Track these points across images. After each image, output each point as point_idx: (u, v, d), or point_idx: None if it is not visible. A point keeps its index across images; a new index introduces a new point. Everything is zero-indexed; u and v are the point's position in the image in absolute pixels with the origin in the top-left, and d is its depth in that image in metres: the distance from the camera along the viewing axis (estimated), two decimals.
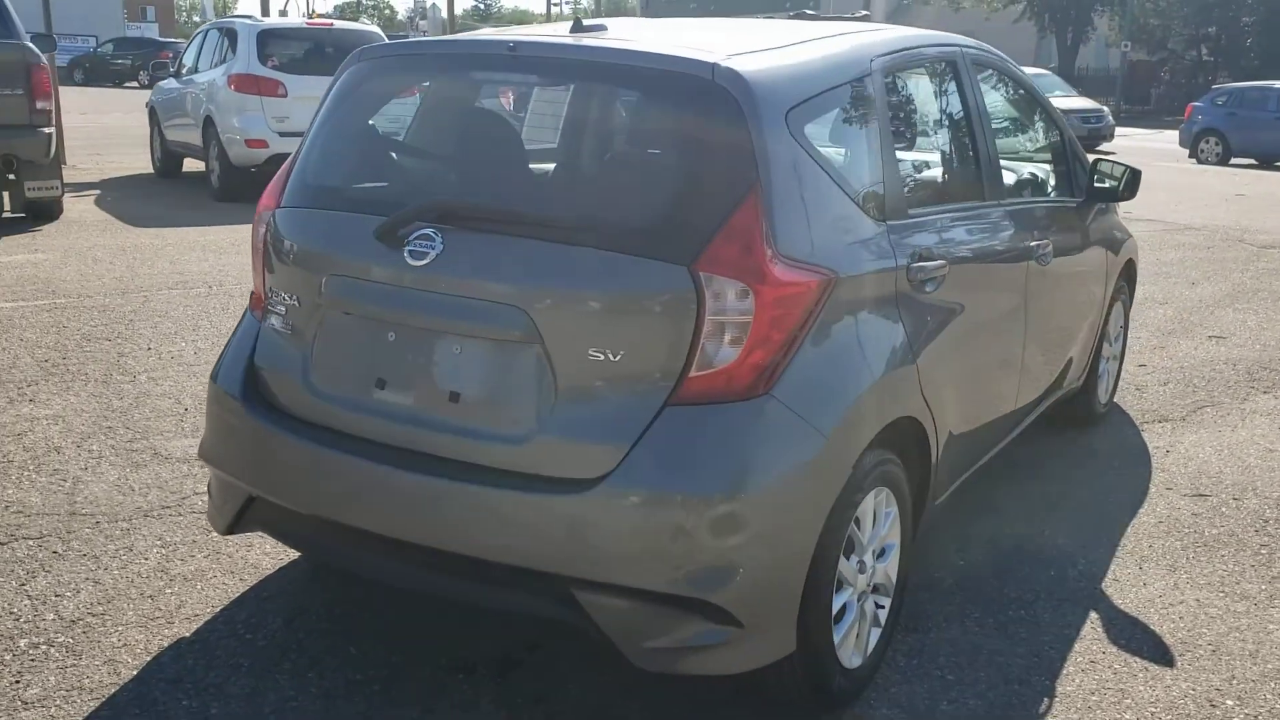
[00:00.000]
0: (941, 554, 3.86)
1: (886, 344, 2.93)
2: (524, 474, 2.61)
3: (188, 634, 3.22)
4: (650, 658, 2.60)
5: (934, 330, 3.16)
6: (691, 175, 2.67)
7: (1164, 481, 4.65)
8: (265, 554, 3.68)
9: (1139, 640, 3.39)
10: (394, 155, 3.39)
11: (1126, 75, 42.89)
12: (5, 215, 10.04)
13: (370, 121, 3.23)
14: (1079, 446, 5.05)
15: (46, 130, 9.57)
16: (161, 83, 13.94)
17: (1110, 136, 24.93)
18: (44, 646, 3.13)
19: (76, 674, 3.00)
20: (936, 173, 3.72)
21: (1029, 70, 27.09)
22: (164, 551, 3.70)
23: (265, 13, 25.14)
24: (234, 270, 8.13)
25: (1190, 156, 23.14)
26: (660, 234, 2.59)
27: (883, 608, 3.09)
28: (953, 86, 3.70)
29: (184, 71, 13.20)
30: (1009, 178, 4.17)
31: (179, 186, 12.93)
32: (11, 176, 9.65)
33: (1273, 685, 3.17)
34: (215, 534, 3.65)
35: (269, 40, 11.77)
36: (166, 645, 3.16)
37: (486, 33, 3.58)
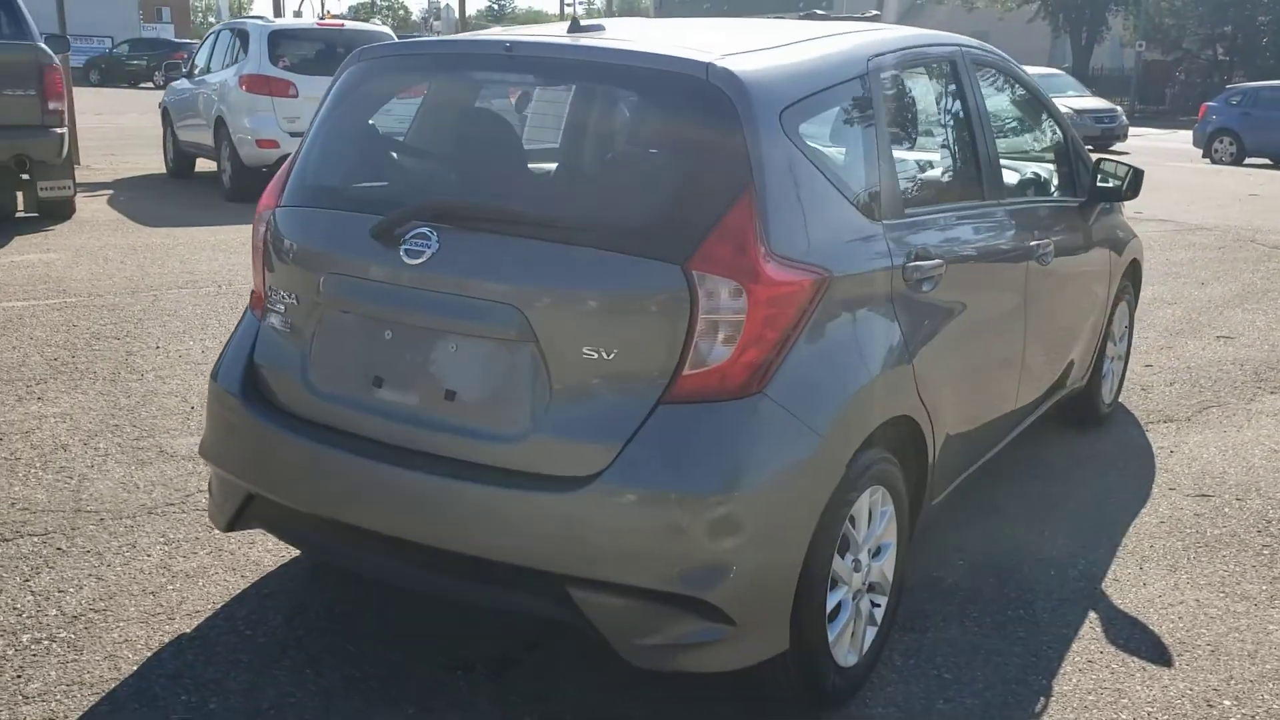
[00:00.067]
0: (941, 553, 3.87)
1: (882, 343, 2.93)
2: (519, 472, 2.63)
3: (188, 630, 3.24)
4: (644, 655, 2.62)
5: (931, 330, 3.17)
6: (686, 175, 2.69)
7: (1167, 482, 4.64)
8: (267, 551, 3.71)
9: (1137, 640, 3.38)
10: (392, 155, 3.41)
11: (1141, 75, 42.71)
12: (18, 215, 10.12)
13: (369, 121, 3.25)
14: (1082, 446, 5.04)
15: (59, 130, 9.64)
16: (174, 83, 14.01)
17: (1124, 136, 24.82)
18: (46, 641, 3.16)
19: (77, 669, 3.03)
20: (934, 172, 3.72)
21: (1042, 70, 27.16)
22: (167, 548, 3.73)
23: (278, 13, 25.25)
24: (243, 270, 8.17)
25: (1204, 157, 23.02)
26: (654, 233, 2.61)
27: (879, 606, 3.09)
28: (952, 86, 3.70)
29: (196, 72, 13.28)
30: (1010, 177, 4.17)
31: (191, 187, 13.00)
32: (25, 176, 9.73)
33: (1270, 685, 3.16)
34: (217, 531, 3.66)
35: (280, 41, 11.82)
36: (167, 641, 3.18)
37: (487, 33, 3.59)
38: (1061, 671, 3.20)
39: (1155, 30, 43.75)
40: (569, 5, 63.04)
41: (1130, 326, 5.57)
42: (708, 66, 2.69)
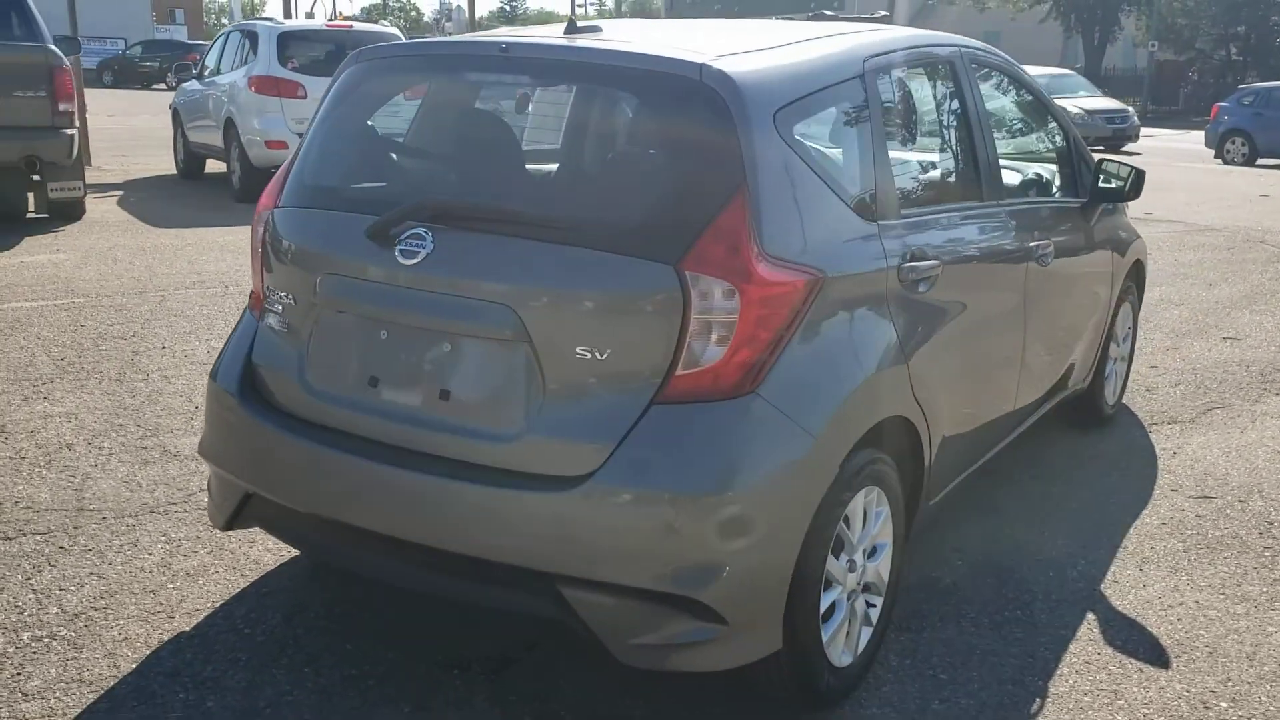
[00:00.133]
0: (939, 553, 3.87)
1: (877, 344, 2.94)
2: (513, 472, 2.64)
3: (188, 628, 3.26)
4: (637, 654, 2.62)
5: (927, 330, 3.17)
6: (679, 175, 2.70)
7: (1169, 483, 4.63)
8: (267, 550, 3.73)
9: (1135, 642, 3.38)
10: (389, 155, 3.43)
11: (1154, 75, 42.54)
12: (29, 216, 10.18)
13: (367, 122, 3.26)
14: (1085, 447, 5.03)
15: (69, 132, 9.68)
16: (184, 85, 14.08)
17: (1135, 137, 24.76)
18: (46, 639, 3.18)
19: (77, 666, 3.05)
20: (931, 173, 3.72)
21: (1053, 71, 27.09)
22: (168, 547, 3.75)
23: (288, 15, 25.33)
24: (250, 270, 8.20)
25: (1216, 157, 22.94)
26: (648, 234, 2.62)
27: (874, 606, 3.10)
28: (950, 87, 3.70)
29: (206, 73, 13.34)
30: (1010, 178, 4.16)
31: (201, 188, 13.06)
32: (36, 177, 9.78)
33: (1268, 687, 3.16)
34: (218, 530, 3.69)
35: (289, 42, 11.87)
36: (166, 639, 3.20)
37: (486, 34, 3.61)
38: (1058, 673, 3.20)
39: (1168, 30, 43.58)
40: (580, 6, 63.11)
41: (1134, 327, 5.55)
42: (701, 67, 2.69)
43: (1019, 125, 4.72)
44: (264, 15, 35.99)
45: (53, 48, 9.63)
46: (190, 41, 47.65)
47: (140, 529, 3.87)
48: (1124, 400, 5.59)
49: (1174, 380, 6.14)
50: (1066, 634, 3.40)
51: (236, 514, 3.11)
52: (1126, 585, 3.74)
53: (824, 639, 2.84)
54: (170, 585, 3.50)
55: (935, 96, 3.76)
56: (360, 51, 3.24)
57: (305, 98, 11.31)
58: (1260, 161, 22.20)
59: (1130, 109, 25.72)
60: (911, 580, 3.60)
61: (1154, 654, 3.32)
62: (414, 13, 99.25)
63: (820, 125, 3.06)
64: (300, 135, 10.81)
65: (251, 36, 12.20)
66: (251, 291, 3.26)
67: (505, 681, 3.05)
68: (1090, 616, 3.52)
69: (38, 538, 3.78)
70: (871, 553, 3.04)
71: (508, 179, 3.02)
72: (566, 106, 3.38)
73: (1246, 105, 23.04)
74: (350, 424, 2.87)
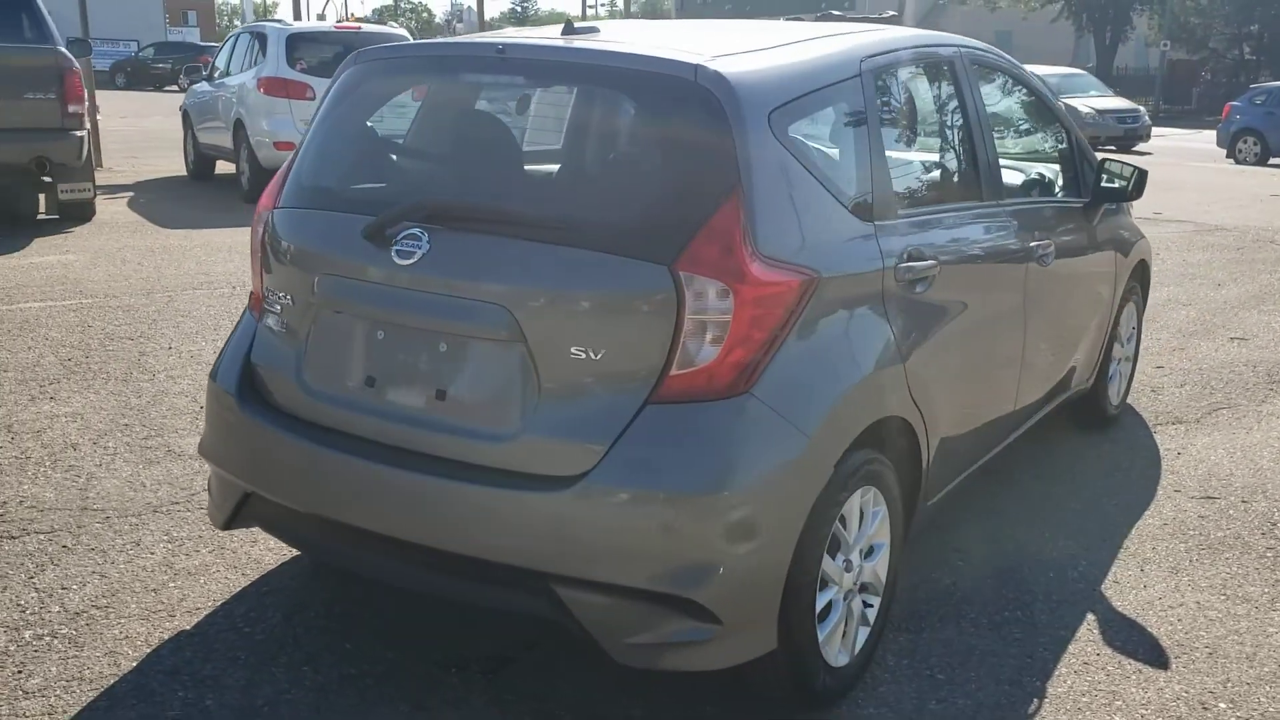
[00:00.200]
0: (940, 554, 3.86)
1: (872, 344, 2.94)
2: (508, 471, 2.65)
3: (188, 627, 3.28)
4: (632, 654, 2.63)
5: (925, 331, 3.17)
6: (674, 176, 2.70)
7: (1173, 484, 4.61)
8: (269, 549, 3.74)
9: (1135, 642, 3.37)
10: (387, 156, 3.44)
11: (1166, 75, 42.35)
12: (40, 217, 10.24)
13: (365, 123, 3.28)
14: (1088, 448, 5.02)
15: (79, 133, 9.73)
16: (195, 86, 14.14)
17: (1146, 137, 24.67)
18: (48, 638, 3.20)
19: (78, 665, 3.07)
20: (930, 173, 3.72)
21: (1064, 70, 27.01)
22: (170, 546, 3.77)
23: (297, 16, 25.40)
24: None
25: (1228, 157, 22.83)
26: (642, 234, 2.62)
27: (871, 606, 3.09)
28: (949, 87, 3.69)
29: (216, 75, 13.40)
30: (1011, 178, 4.16)
31: (210, 189, 13.11)
32: (47, 179, 9.83)
33: (1268, 688, 3.15)
34: (218, 529, 3.70)
35: (298, 44, 11.91)
36: (167, 638, 3.22)
37: (485, 34, 3.62)
38: (1056, 673, 3.19)
39: (1180, 29, 43.39)
40: (591, 7, 63.11)
41: (1138, 328, 5.53)
42: (696, 68, 2.70)
43: (1020, 125, 4.71)
44: (275, 17, 36.07)
45: (63, 49, 9.68)
46: (203, 43, 47.80)
47: (143, 528, 3.89)
48: (1129, 401, 5.58)
49: (1180, 381, 6.12)
50: (1066, 634, 3.40)
51: (235, 513, 3.13)
52: (1127, 586, 3.73)
53: (820, 639, 2.84)
54: (172, 584, 3.52)
55: (934, 97, 3.76)
56: (359, 53, 3.25)
57: (314, 99, 11.33)
58: (1272, 161, 22.09)
59: (1141, 109, 25.63)
60: (911, 580, 3.60)
61: (1153, 655, 3.31)
62: (425, 14, 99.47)
63: (816, 125, 3.06)
64: None
65: (260, 38, 12.25)
66: (251, 292, 3.27)
67: (503, 681, 3.06)
68: (1090, 617, 3.51)
69: (41, 537, 3.80)
70: (869, 553, 3.04)
71: (504, 180, 3.03)
72: (563, 107, 3.39)
73: (1259, 105, 22.93)
74: (347, 424, 2.88)
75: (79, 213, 10.29)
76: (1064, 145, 4.61)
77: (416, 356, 2.80)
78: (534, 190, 3.08)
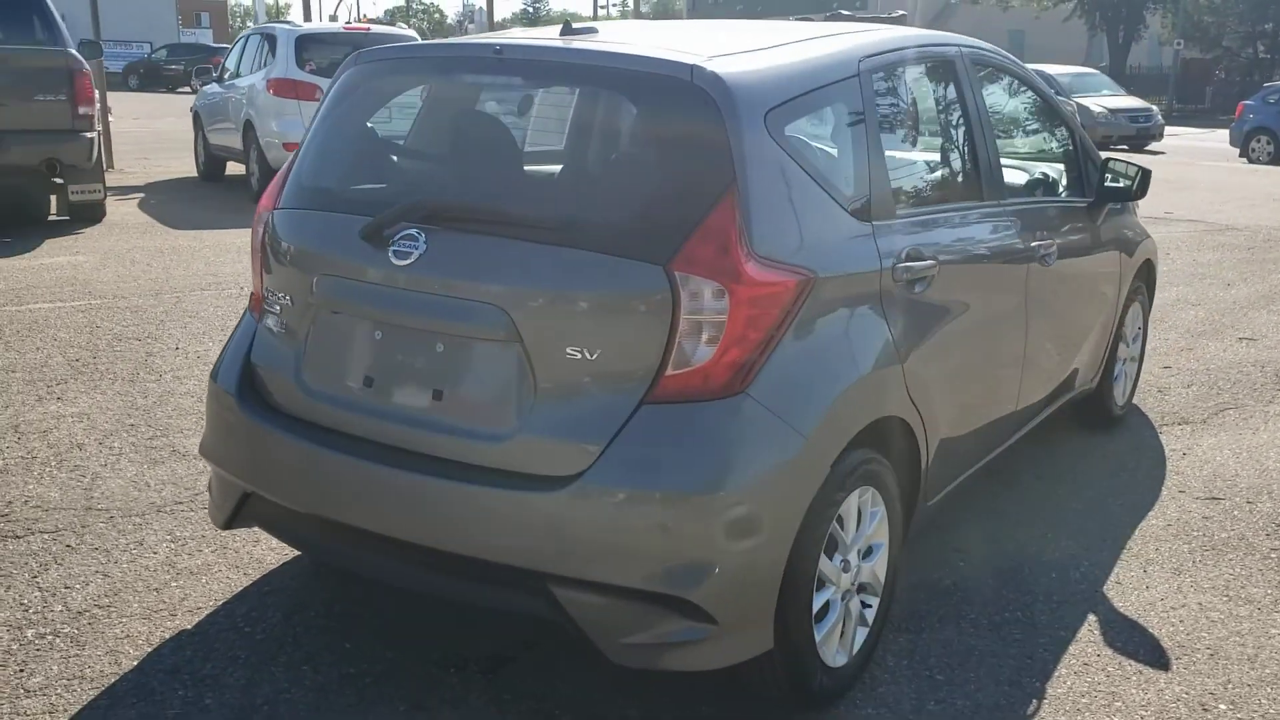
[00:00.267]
0: (941, 554, 3.85)
1: (870, 344, 2.93)
2: (504, 471, 2.65)
3: (189, 626, 3.29)
4: (628, 654, 2.63)
5: (924, 331, 3.16)
6: (670, 176, 2.70)
7: (1177, 484, 4.60)
8: (270, 549, 3.76)
9: (1136, 643, 3.36)
10: (386, 157, 3.45)
11: (1180, 73, 42.14)
12: (51, 218, 10.29)
13: (365, 123, 3.29)
14: (1093, 448, 5.00)
15: (89, 135, 9.78)
16: (205, 88, 14.20)
17: (1159, 136, 24.56)
18: (50, 637, 3.22)
19: (79, 663, 3.09)
20: (930, 173, 3.70)
21: (1076, 69, 26.92)
22: (173, 546, 3.79)
23: (307, 18, 25.48)
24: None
25: (1241, 156, 22.71)
26: (638, 234, 2.63)
27: (870, 607, 3.09)
28: (949, 87, 3.69)
29: (226, 76, 13.45)
30: (1014, 177, 4.14)
31: (221, 190, 13.16)
32: (57, 180, 9.89)
33: (1269, 690, 3.13)
34: (219, 529, 3.72)
35: (307, 45, 11.94)
36: (168, 637, 3.23)
37: (484, 35, 3.63)
38: (1056, 674, 3.19)
39: (1194, 28, 43.14)
40: (602, 7, 63.16)
41: (1144, 328, 5.51)
42: (692, 68, 2.70)
43: (1023, 125, 4.70)
44: (286, 19, 36.14)
45: (73, 51, 9.73)
46: (215, 45, 47.95)
47: (147, 528, 3.91)
48: (1135, 401, 5.56)
49: (1187, 381, 6.10)
50: (1066, 635, 3.39)
51: (235, 513, 3.14)
52: (1129, 587, 3.72)
53: (817, 639, 2.83)
54: (174, 583, 3.54)
55: (934, 96, 3.75)
56: (359, 53, 3.27)
57: None
58: None
59: (1154, 108, 25.52)
60: (911, 581, 3.59)
61: (1154, 656, 3.30)
62: (437, 15, 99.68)
63: (814, 125, 3.06)
64: None
65: (270, 39, 12.30)
66: (252, 292, 3.29)
67: (502, 680, 3.07)
68: (1091, 618, 3.50)
69: (45, 536, 3.83)
70: (867, 553, 3.04)
71: (501, 180, 3.03)
72: (561, 108, 3.39)
73: (1272, 104, 22.79)
74: (346, 424, 2.89)
75: (89, 214, 10.35)
76: (1068, 145, 4.59)
77: (414, 357, 2.81)
78: (531, 191, 3.08)
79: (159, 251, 9.06)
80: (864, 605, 3.07)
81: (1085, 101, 23.78)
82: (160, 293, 7.56)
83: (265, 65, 12.09)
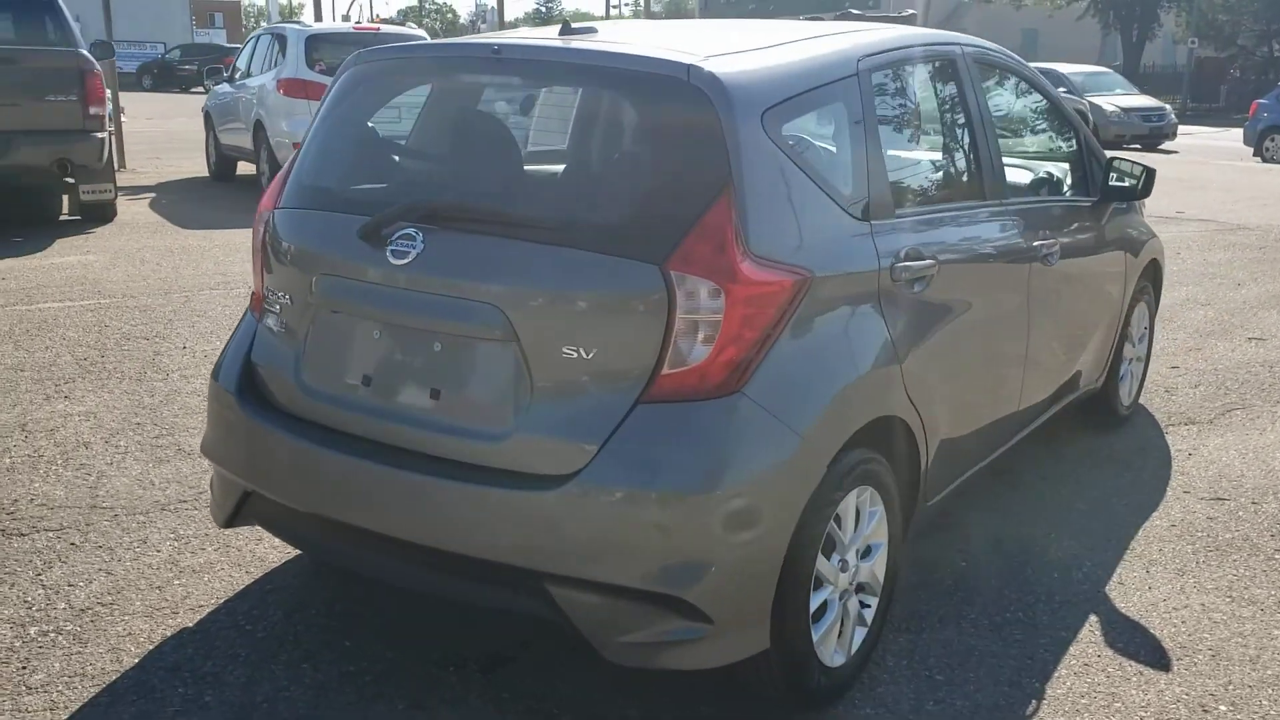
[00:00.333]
0: (942, 554, 3.85)
1: (867, 344, 2.93)
2: (501, 470, 2.66)
3: (191, 624, 3.31)
4: (625, 653, 2.64)
5: (923, 331, 3.15)
6: (666, 175, 2.71)
7: (1182, 485, 4.58)
8: (273, 548, 3.77)
9: (1137, 644, 3.35)
10: (385, 156, 3.46)
11: (1194, 72, 41.95)
12: (62, 218, 10.34)
13: (365, 123, 3.30)
14: (1098, 448, 4.99)
15: (100, 135, 9.82)
16: (216, 88, 14.25)
17: (1172, 135, 24.45)
18: (52, 634, 3.23)
19: (80, 661, 3.11)
20: (929, 172, 3.70)
21: (1089, 68, 26.82)
22: (176, 544, 3.80)
23: (318, 18, 25.54)
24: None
25: (1255, 155, 22.57)
26: (634, 233, 2.63)
27: (869, 607, 3.09)
28: (950, 86, 3.68)
29: (237, 76, 13.50)
30: (1017, 177, 4.13)
31: (231, 190, 13.21)
32: (68, 180, 9.93)
33: (1270, 691, 3.12)
34: (220, 527, 3.74)
35: (317, 45, 11.98)
36: (169, 635, 3.25)
37: (484, 35, 3.63)
38: (1056, 675, 3.18)
39: (1208, 26, 42.93)
40: (614, 7, 63.14)
41: (1151, 328, 5.49)
42: (689, 68, 2.70)
43: (1026, 124, 4.69)
44: (298, 19, 36.24)
45: (84, 51, 9.77)
46: (228, 45, 48.11)
47: (150, 526, 3.93)
48: (1141, 401, 5.54)
49: (1194, 381, 6.07)
50: (1067, 636, 3.38)
51: (236, 512, 3.16)
52: (1132, 587, 3.70)
53: (815, 638, 2.83)
54: (176, 581, 3.56)
55: (934, 95, 3.73)
56: (359, 53, 3.28)
57: None
58: None
59: (1167, 107, 25.41)
60: (912, 581, 3.59)
61: (1155, 657, 3.29)
62: (450, 15, 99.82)
63: (812, 125, 3.06)
64: None
65: (280, 39, 12.34)
66: (252, 292, 3.30)
67: (500, 679, 3.07)
68: (1093, 618, 3.49)
69: (50, 534, 3.85)
70: (866, 553, 3.04)
71: (499, 180, 3.03)
72: (561, 108, 3.40)
73: None
74: (344, 423, 2.90)
75: (100, 214, 10.40)
76: (1072, 144, 4.57)
77: (412, 356, 2.82)
78: (528, 190, 3.09)
79: (169, 251, 9.10)
80: (863, 605, 3.07)
81: (1098, 100, 23.69)
82: (169, 292, 7.60)
83: (276, 65, 12.13)
